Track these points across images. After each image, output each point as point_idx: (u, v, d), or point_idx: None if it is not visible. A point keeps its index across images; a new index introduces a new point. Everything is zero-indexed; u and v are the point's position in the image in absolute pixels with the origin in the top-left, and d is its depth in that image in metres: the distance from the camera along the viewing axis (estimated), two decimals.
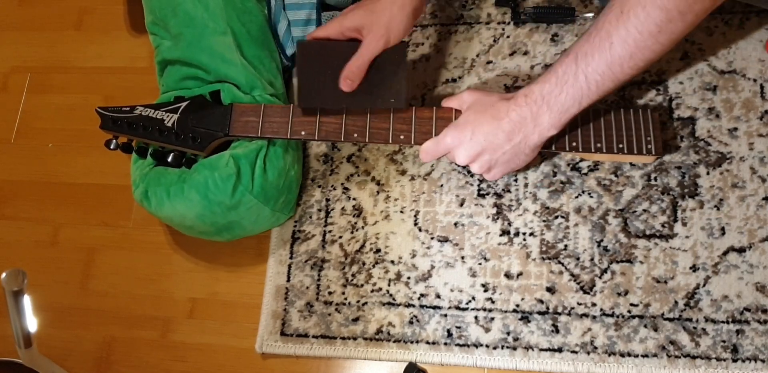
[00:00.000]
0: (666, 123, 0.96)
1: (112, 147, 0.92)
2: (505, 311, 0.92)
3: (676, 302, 0.89)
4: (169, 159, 0.92)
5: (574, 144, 0.89)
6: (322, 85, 0.88)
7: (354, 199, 1.01)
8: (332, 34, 0.88)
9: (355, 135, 0.90)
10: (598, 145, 0.89)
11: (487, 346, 0.92)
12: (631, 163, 0.95)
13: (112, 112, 0.91)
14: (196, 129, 0.90)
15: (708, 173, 0.93)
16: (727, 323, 0.87)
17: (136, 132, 0.90)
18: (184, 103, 0.92)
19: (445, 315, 0.94)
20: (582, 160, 0.96)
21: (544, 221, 0.95)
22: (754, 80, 0.95)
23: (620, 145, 0.89)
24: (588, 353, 0.89)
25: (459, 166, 0.92)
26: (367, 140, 0.90)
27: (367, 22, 0.85)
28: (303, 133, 0.90)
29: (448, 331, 0.93)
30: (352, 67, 0.86)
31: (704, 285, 0.89)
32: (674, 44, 0.76)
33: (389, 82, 0.89)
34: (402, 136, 0.90)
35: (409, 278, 0.96)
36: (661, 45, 0.75)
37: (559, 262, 0.93)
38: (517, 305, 0.92)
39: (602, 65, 0.76)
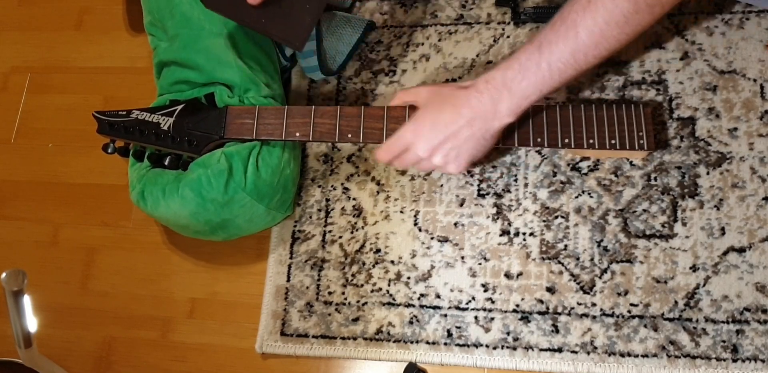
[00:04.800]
0: (666, 122, 0.96)
1: (109, 151, 0.92)
2: (505, 311, 0.93)
3: (676, 302, 0.89)
4: (166, 162, 0.93)
5: (566, 140, 0.89)
6: None
7: (354, 199, 1.01)
8: None
9: (349, 136, 0.90)
10: (591, 141, 0.89)
11: (487, 346, 0.92)
12: (631, 163, 0.95)
13: (108, 116, 0.91)
14: (192, 132, 0.91)
15: (708, 173, 0.93)
16: (727, 323, 0.87)
17: (132, 136, 0.91)
18: (180, 107, 0.92)
19: (445, 315, 0.94)
20: (582, 160, 0.96)
21: (544, 221, 0.95)
22: (754, 80, 0.95)
23: (612, 141, 0.89)
24: (588, 353, 0.89)
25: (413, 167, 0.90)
26: (361, 141, 0.90)
27: None
28: (297, 134, 0.91)
29: (448, 331, 0.93)
30: None
31: (704, 285, 0.89)
32: (638, 35, 0.77)
33: (296, 16, 0.86)
34: None
35: (409, 278, 0.96)
36: (627, 35, 0.76)
37: (559, 262, 0.93)
38: (517, 305, 0.92)
39: (566, 54, 0.77)
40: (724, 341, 0.87)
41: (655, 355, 0.87)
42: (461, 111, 0.82)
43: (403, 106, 0.90)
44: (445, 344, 0.93)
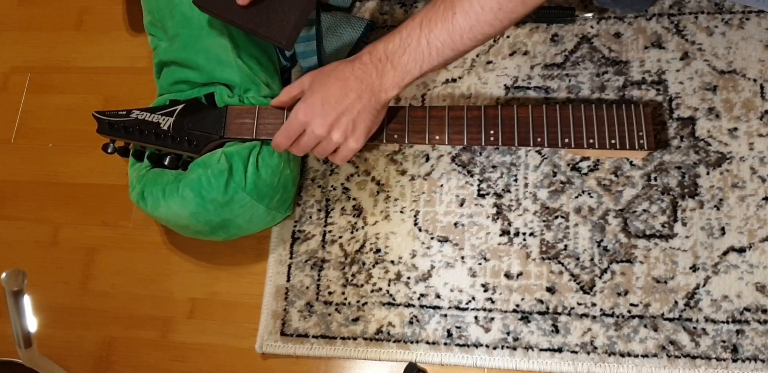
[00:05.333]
0: (666, 122, 0.96)
1: (109, 151, 0.92)
2: (505, 311, 0.92)
3: (676, 302, 0.89)
4: (166, 162, 0.93)
5: (566, 140, 0.89)
6: None
7: (354, 199, 1.01)
8: None
9: None
10: (591, 141, 0.89)
11: (487, 346, 0.92)
12: (631, 163, 0.95)
13: (108, 116, 0.92)
14: (192, 132, 0.91)
15: (708, 173, 0.93)
16: (727, 323, 0.87)
17: (132, 136, 0.91)
18: (180, 107, 0.92)
19: (445, 315, 0.94)
20: (582, 159, 0.96)
21: (544, 221, 0.95)
22: (754, 80, 0.95)
23: (612, 141, 0.89)
24: (588, 353, 0.89)
25: (319, 157, 0.88)
26: None
27: None
28: None
29: (448, 331, 0.93)
30: None
31: (704, 285, 0.89)
32: (513, 23, 0.79)
33: (283, 13, 0.87)
34: (396, 136, 0.90)
35: (409, 278, 0.96)
36: (500, 21, 0.77)
37: (559, 262, 0.93)
38: (517, 305, 0.92)
39: (444, 34, 0.78)
40: (724, 341, 0.87)
41: (655, 355, 0.87)
42: (348, 84, 0.82)
43: (403, 107, 0.90)
44: (445, 344, 0.93)
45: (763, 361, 0.85)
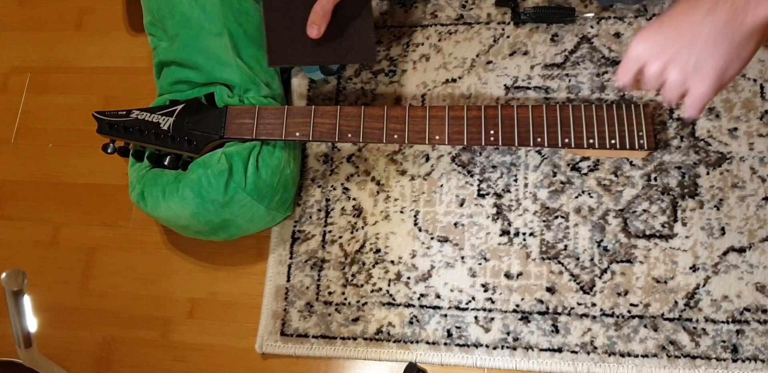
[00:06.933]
0: (666, 122, 0.96)
1: (109, 151, 0.92)
2: (505, 311, 0.92)
3: (676, 302, 0.89)
4: (166, 162, 0.93)
5: (566, 140, 0.89)
6: (290, 42, 0.86)
7: (354, 199, 1.01)
8: None
9: (349, 135, 0.90)
10: (591, 141, 0.89)
11: (487, 346, 0.92)
12: (631, 163, 0.95)
13: (108, 116, 0.92)
14: (192, 132, 0.91)
15: (708, 173, 0.93)
16: (727, 323, 0.87)
17: (132, 136, 0.91)
18: (180, 107, 0.92)
19: (445, 315, 0.94)
20: (582, 159, 0.96)
21: (544, 221, 0.95)
22: (754, 80, 0.95)
23: (613, 141, 0.89)
24: (588, 353, 0.89)
25: (654, 88, 0.69)
26: (361, 140, 0.90)
27: None
28: (297, 134, 0.91)
29: (448, 331, 0.93)
30: (317, 8, 0.84)
31: (704, 285, 0.89)
32: None
33: (357, 34, 0.87)
34: (396, 136, 0.90)
35: (409, 278, 0.96)
36: None
37: (559, 262, 0.93)
38: (517, 305, 0.92)
39: None
40: (724, 341, 0.87)
41: (655, 355, 0.87)
42: (697, 2, 0.62)
43: (403, 107, 0.90)
44: (445, 344, 0.93)
45: (763, 361, 0.85)
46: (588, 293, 0.91)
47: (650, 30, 0.65)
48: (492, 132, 0.89)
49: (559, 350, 0.90)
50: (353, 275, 0.98)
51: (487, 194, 0.98)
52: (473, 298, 0.94)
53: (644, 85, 0.68)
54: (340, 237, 1.00)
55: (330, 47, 0.86)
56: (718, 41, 0.62)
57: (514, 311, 0.92)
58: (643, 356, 0.88)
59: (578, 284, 0.92)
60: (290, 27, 0.85)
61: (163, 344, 1.02)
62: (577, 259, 0.93)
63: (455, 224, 0.97)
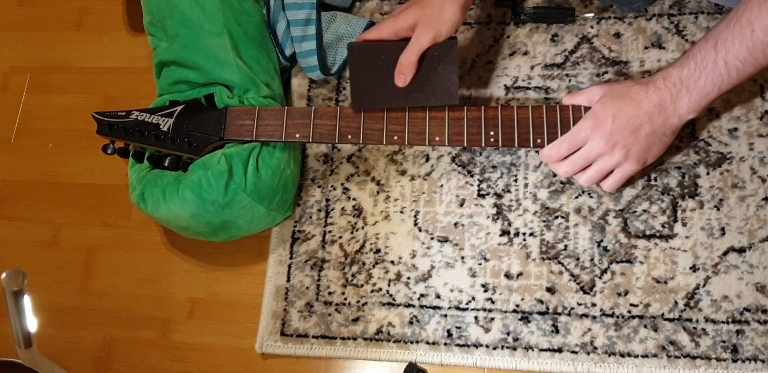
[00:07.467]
0: None
1: (109, 152, 0.92)
2: (505, 312, 0.93)
3: (676, 302, 0.89)
4: (166, 163, 0.93)
5: None
6: (374, 87, 0.89)
7: (354, 199, 1.01)
8: (385, 35, 0.88)
9: (349, 137, 0.90)
10: None
11: (487, 346, 0.92)
12: None
13: (108, 117, 0.92)
14: (192, 133, 0.91)
15: (708, 173, 0.93)
16: (727, 323, 0.87)
17: (132, 137, 0.91)
18: (179, 108, 0.92)
19: (445, 315, 0.94)
20: None
21: (544, 221, 0.95)
22: (754, 80, 0.95)
23: None
24: (588, 353, 0.89)
25: (565, 175, 0.87)
26: (361, 142, 0.90)
27: (419, 17, 0.86)
28: (297, 135, 0.91)
29: (448, 331, 0.93)
30: (403, 61, 0.86)
31: (704, 285, 0.89)
32: None
33: (441, 78, 0.88)
34: (395, 137, 0.90)
35: (409, 278, 0.96)
36: None
37: (559, 262, 0.93)
38: (517, 306, 0.92)
39: (743, 52, 0.76)
40: (724, 342, 0.87)
41: (655, 355, 0.87)
42: (642, 106, 0.81)
43: (403, 108, 0.90)
44: (445, 344, 0.93)
45: (763, 361, 0.85)
46: (588, 293, 0.91)
47: (604, 121, 0.82)
48: (492, 133, 0.89)
49: (559, 351, 0.90)
50: (353, 275, 0.98)
51: (487, 194, 0.98)
52: (473, 298, 0.94)
53: (573, 162, 0.85)
54: (340, 237, 1.00)
55: (414, 91, 0.88)
56: (652, 137, 0.83)
57: (514, 311, 0.92)
58: (643, 357, 0.88)
59: (578, 284, 0.92)
60: (375, 74, 0.88)
61: (163, 344, 1.02)
62: (577, 259, 0.93)
63: (455, 224, 0.97)
